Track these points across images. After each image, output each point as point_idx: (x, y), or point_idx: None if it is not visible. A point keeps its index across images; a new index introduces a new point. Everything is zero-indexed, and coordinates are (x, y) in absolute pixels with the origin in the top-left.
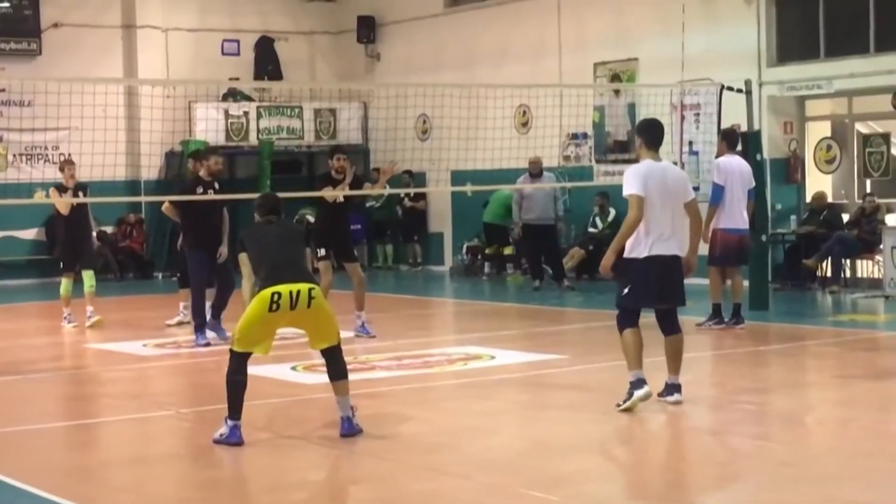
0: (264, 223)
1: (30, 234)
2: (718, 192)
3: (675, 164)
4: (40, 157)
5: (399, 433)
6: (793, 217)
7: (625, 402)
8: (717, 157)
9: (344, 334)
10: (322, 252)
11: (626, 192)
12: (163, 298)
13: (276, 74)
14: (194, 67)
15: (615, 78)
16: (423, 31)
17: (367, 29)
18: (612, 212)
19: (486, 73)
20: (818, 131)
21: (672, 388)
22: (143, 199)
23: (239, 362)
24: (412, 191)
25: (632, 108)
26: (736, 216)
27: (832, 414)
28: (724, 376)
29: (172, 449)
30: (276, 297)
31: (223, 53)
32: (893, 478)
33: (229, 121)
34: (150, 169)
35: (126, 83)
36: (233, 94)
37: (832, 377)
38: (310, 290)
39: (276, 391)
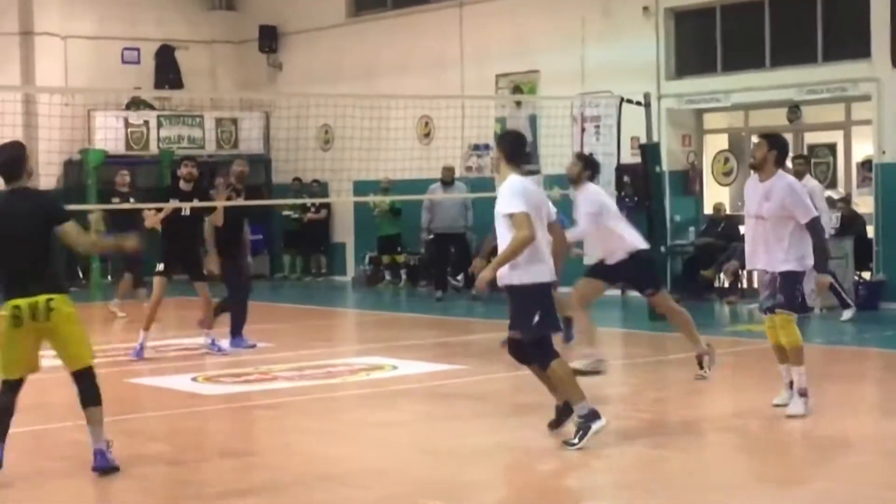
0: (7, 194)
1: None
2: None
3: None
4: None
5: (299, 444)
6: (691, 228)
7: (580, 438)
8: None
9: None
10: (160, 266)
11: (508, 209)
12: None
13: (177, 83)
14: (94, 75)
15: (517, 89)
16: (325, 41)
17: (269, 38)
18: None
19: (388, 83)
20: (716, 144)
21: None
22: None
23: (8, 388)
24: (316, 201)
25: (533, 119)
26: None
27: (729, 423)
28: (624, 386)
29: (73, 463)
30: (16, 310)
31: (123, 62)
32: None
33: (129, 130)
34: (48, 178)
35: (23, 91)
36: (134, 103)
37: (728, 386)
38: (48, 300)
39: (176, 402)
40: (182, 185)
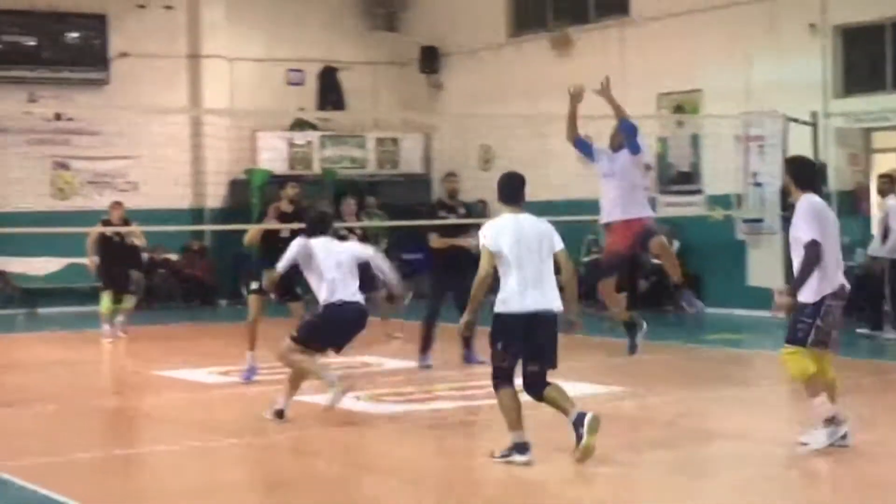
0: None
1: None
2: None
3: (740, 196)
4: (107, 185)
5: (461, 463)
6: (859, 250)
7: (503, 455)
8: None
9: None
10: (254, 285)
11: (479, 243)
12: (227, 326)
13: (340, 104)
14: (259, 97)
15: (679, 109)
16: (486, 61)
17: (430, 59)
18: (676, 243)
19: (549, 103)
20: (885, 163)
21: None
22: (205, 227)
23: None
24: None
25: (695, 139)
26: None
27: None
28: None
29: (241, 478)
30: None
31: (288, 83)
32: None
33: (293, 150)
34: (215, 198)
35: (192, 113)
36: (298, 124)
37: None
38: None
39: (339, 420)
40: (284, 205)
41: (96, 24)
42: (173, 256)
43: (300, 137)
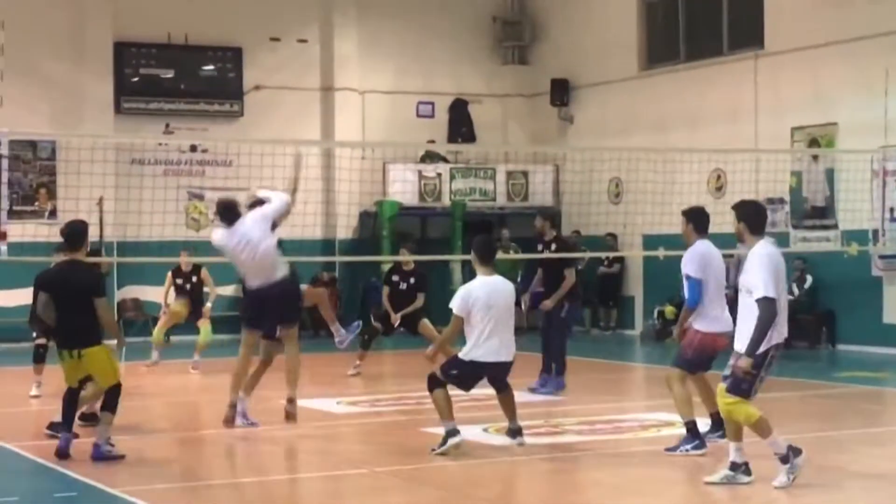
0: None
1: (227, 290)
2: (696, 289)
3: (877, 231)
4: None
5: (589, 499)
6: None
7: (440, 447)
8: (689, 242)
9: None
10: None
11: (451, 304)
12: (355, 356)
13: (470, 136)
14: (389, 129)
15: (813, 143)
16: (616, 94)
17: (561, 92)
18: (809, 279)
19: (679, 136)
20: None
21: (515, 431)
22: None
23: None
24: (609, 254)
25: (830, 173)
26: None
27: None
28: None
29: None
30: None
31: (418, 115)
32: None
33: (423, 182)
34: (346, 229)
35: (325, 145)
36: (428, 156)
37: None
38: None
39: (466, 452)
40: (403, 266)
41: (232, 57)
42: (303, 287)
43: (430, 170)
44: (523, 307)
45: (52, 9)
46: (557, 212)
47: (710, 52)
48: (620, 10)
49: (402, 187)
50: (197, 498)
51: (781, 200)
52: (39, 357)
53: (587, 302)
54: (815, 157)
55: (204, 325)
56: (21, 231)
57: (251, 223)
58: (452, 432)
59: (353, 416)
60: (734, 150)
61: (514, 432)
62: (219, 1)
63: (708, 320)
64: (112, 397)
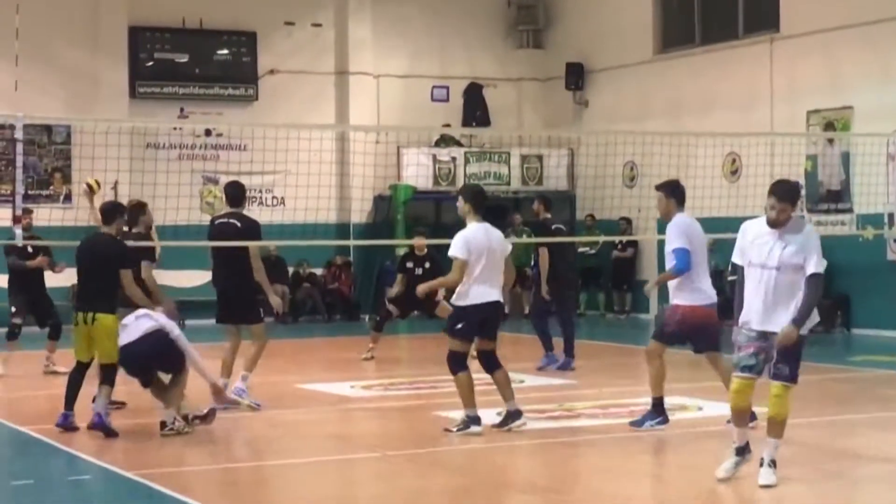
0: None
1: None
2: (686, 257)
3: (892, 215)
4: (254, 199)
5: (601, 483)
6: None
7: (457, 428)
8: (669, 216)
9: None
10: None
11: (451, 252)
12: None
13: (484, 120)
14: (404, 113)
15: (829, 126)
16: (631, 78)
17: (576, 76)
18: (825, 262)
19: (694, 120)
20: None
21: (513, 415)
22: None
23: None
24: (623, 238)
25: (846, 157)
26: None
27: None
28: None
29: (379, 491)
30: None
31: (433, 99)
32: None
33: (437, 166)
34: (360, 213)
35: (340, 129)
36: (443, 140)
37: None
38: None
39: (479, 436)
40: (416, 252)
41: (246, 41)
42: (318, 271)
43: (445, 154)
44: (543, 292)
45: None
46: (573, 196)
47: (725, 35)
48: None
49: (417, 171)
50: (209, 480)
51: (797, 184)
52: (13, 336)
53: (600, 286)
54: (831, 141)
55: None
56: (36, 215)
57: None
58: (475, 420)
59: (366, 399)
60: (749, 133)
61: (512, 415)
62: None
63: (690, 293)
64: (108, 374)
